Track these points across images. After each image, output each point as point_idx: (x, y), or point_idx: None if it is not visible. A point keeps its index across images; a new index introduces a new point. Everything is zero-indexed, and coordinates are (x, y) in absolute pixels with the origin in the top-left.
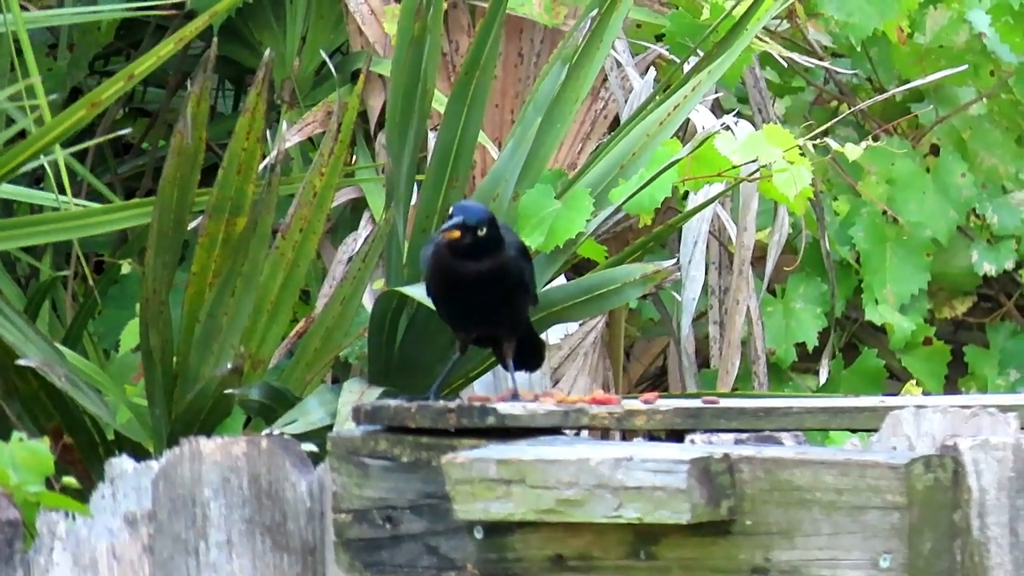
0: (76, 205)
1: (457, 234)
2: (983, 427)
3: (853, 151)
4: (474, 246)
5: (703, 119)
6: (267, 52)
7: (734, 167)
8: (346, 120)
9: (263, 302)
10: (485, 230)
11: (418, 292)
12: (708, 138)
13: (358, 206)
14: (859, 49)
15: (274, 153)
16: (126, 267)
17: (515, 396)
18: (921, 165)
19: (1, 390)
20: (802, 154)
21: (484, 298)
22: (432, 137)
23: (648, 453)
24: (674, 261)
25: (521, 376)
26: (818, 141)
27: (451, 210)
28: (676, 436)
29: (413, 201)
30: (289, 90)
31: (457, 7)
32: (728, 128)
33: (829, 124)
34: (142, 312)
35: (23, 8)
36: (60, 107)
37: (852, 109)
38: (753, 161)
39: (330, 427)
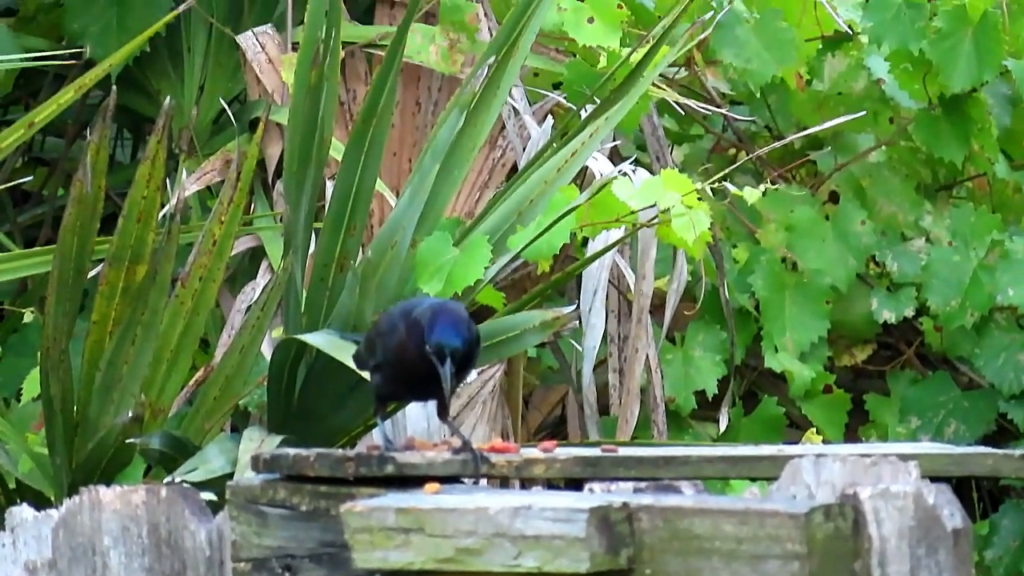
0: None
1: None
2: (884, 476)
3: (752, 194)
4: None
5: (601, 166)
6: (167, 100)
7: (632, 212)
8: (245, 168)
9: (163, 351)
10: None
11: (317, 340)
12: (606, 184)
13: (257, 254)
14: (758, 96)
15: (173, 201)
16: (28, 316)
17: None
18: (820, 212)
19: None
20: (700, 199)
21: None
22: (330, 185)
23: (547, 502)
24: (573, 308)
25: (419, 424)
26: (716, 185)
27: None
28: (575, 485)
29: (311, 249)
30: (187, 138)
31: (355, 56)
32: (626, 175)
33: (728, 170)
34: (42, 361)
35: None
36: None
37: (751, 155)
38: (652, 206)
39: (230, 475)
